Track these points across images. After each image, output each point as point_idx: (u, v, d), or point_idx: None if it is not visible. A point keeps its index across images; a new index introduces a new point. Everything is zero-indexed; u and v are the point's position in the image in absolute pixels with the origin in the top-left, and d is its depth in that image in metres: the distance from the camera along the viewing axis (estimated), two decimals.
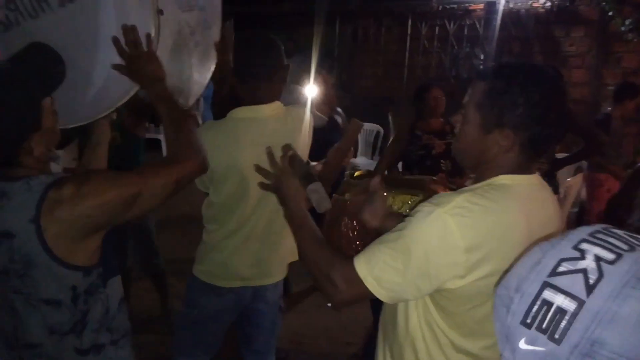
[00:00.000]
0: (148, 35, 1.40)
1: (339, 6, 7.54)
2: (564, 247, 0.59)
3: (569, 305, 0.54)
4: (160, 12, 1.42)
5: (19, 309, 1.18)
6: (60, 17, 1.36)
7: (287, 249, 1.91)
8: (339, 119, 3.47)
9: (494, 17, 6.33)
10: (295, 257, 2.03)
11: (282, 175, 1.36)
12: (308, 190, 1.30)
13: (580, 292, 0.54)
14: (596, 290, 0.54)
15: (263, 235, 1.87)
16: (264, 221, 1.84)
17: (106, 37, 1.39)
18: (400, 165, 3.43)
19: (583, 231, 0.60)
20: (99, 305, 1.24)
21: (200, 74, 1.88)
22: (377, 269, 1.05)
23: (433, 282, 1.05)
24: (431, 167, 3.15)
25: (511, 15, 6.29)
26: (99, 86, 1.44)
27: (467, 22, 6.74)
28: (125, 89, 1.45)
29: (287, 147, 1.42)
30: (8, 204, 1.10)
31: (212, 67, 1.90)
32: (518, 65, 1.11)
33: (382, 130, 6.84)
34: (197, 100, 2.88)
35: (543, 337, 0.55)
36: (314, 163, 2.14)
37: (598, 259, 0.56)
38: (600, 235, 0.59)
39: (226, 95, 2.01)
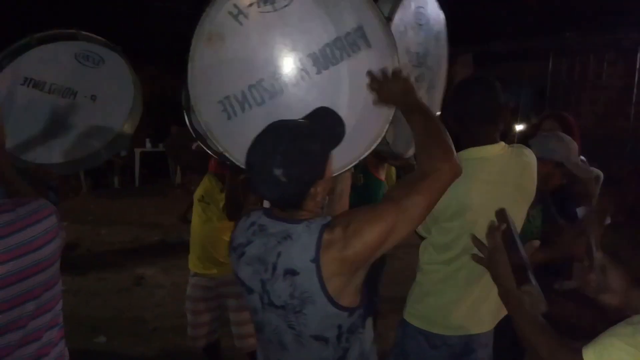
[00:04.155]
0: (384, 69, 1.54)
1: (554, 41, 7.06)
2: None
3: None
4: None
5: (288, 344, 1.30)
6: (316, 82, 1.55)
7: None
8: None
9: None
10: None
11: (494, 253, 1.30)
12: (522, 291, 1.19)
13: None
14: None
15: (481, 279, 1.77)
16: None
17: (353, 96, 1.55)
18: None
19: None
20: (357, 344, 1.31)
21: None
22: None
23: None
24: None
25: None
26: (346, 140, 1.57)
27: None
28: (365, 145, 1.59)
29: (501, 215, 1.35)
30: (293, 244, 1.22)
31: None
32: None
33: (601, 175, 6.11)
34: None
35: None
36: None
37: None
38: None
39: None
